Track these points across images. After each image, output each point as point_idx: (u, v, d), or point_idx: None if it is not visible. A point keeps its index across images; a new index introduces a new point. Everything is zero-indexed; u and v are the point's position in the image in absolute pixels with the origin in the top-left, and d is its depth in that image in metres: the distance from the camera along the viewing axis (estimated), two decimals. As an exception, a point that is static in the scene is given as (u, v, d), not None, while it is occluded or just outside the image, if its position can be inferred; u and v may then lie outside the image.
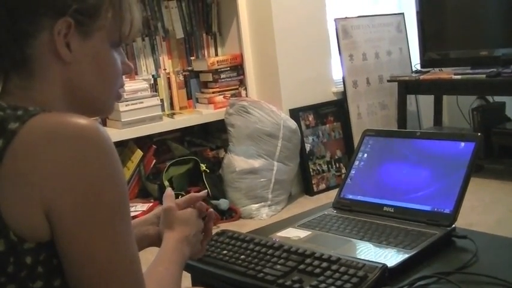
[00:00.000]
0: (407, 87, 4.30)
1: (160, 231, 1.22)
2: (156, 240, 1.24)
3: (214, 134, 4.14)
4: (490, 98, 4.39)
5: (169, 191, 1.26)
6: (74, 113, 0.90)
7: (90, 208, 0.85)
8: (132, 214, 3.12)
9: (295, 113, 4.01)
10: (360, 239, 1.42)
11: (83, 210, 0.85)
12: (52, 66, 0.95)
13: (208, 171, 3.71)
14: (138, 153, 3.67)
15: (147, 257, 1.12)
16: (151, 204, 3.49)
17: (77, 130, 0.86)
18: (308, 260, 1.25)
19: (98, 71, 1.00)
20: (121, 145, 3.67)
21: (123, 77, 1.08)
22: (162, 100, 3.90)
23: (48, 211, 0.84)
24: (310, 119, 4.12)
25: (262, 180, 3.70)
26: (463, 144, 1.49)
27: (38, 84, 0.95)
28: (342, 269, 1.19)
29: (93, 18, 0.96)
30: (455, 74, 4.00)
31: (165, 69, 4.00)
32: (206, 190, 1.34)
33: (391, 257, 1.30)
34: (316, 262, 1.23)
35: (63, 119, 0.88)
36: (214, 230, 1.38)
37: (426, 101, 4.74)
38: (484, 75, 3.81)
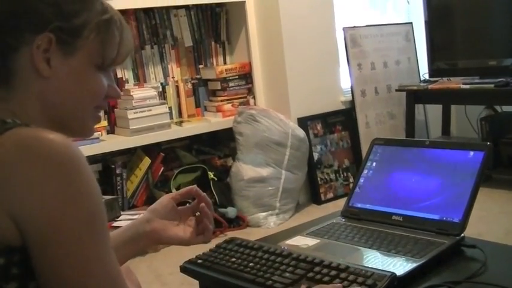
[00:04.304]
0: (416, 96, 4.30)
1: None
2: (154, 236, 1.29)
3: (222, 142, 4.15)
4: (498, 108, 4.38)
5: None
6: (51, 130, 0.89)
7: (57, 226, 0.85)
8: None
9: (303, 122, 4.01)
10: (369, 248, 1.42)
11: (50, 227, 0.85)
12: (32, 81, 0.96)
13: (216, 179, 3.72)
14: (146, 161, 3.67)
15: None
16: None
17: (49, 147, 0.86)
18: (317, 268, 1.25)
19: (77, 90, 1.00)
20: (129, 153, 3.67)
21: (106, 100, 1.08)
22: (170, 108, 3.91)
23: (18, 224, 0.85)
24: (319, 128, 4.12)
25: (270, 188, 3.70)
26: (472, 153, 1.49)
27: (18, 98, 0.96)
28: (351, 277, 1.19)
29: (74, 37, 0.97)
30: (463, 84, 3.99)
31: (173, 77, 4.01)
32: (194, 185, 1.37)
33: (399, 265, 1.30)
34: (325, 270, 1.23)
35: (36, 134, 0.88)
36: (222, 239, 1.38)
37: (434, 111, 4.73)
38: (493, 85, 3.79)
